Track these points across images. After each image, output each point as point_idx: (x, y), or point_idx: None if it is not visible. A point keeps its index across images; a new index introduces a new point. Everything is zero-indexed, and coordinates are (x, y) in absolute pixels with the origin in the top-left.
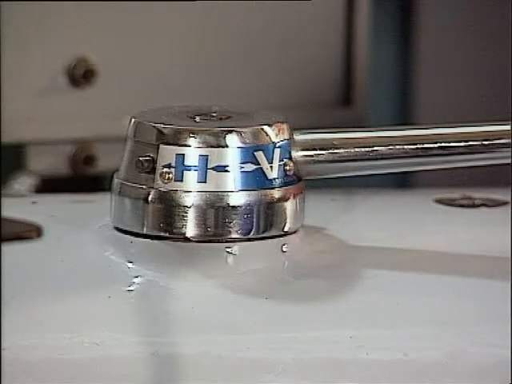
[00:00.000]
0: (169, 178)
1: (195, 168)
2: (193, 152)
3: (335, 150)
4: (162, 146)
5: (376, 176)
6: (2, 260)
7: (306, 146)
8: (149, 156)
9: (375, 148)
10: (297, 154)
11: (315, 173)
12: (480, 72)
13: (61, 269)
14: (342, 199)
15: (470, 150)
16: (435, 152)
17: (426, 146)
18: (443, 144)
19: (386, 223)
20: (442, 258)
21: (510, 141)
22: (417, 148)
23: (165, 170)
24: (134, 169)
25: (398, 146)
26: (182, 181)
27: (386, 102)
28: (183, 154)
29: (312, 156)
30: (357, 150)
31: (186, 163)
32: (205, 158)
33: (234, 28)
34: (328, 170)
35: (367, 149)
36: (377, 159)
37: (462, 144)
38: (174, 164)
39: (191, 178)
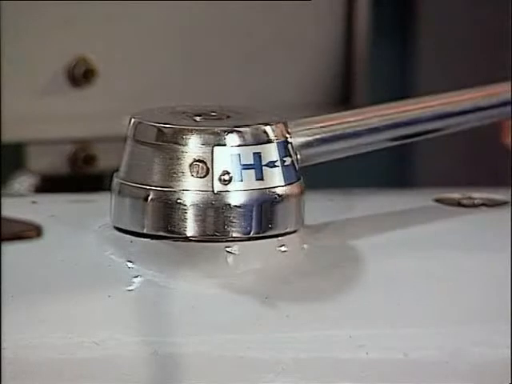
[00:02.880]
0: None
1: None
2: None
3: (332, 128)
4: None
5: (376, 176)
6: (2, 260)
7: (302, 132)
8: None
9: (374, 119)
10: (294, 141)
11: (315, 157)
12: (480, 72)
13: (61, 269)
14: (341, 199)
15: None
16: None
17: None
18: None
19: (386, 223)
20: (441, 258)
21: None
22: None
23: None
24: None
25: (396, 116)
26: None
27: (386, 101)
28: None
29: (311, 140)
30: (355, 124)
31: None
32: None
33: (234, 28)
34: (327, 151)
35: (366, 121)
36: (377, 131)
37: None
38: None
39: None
